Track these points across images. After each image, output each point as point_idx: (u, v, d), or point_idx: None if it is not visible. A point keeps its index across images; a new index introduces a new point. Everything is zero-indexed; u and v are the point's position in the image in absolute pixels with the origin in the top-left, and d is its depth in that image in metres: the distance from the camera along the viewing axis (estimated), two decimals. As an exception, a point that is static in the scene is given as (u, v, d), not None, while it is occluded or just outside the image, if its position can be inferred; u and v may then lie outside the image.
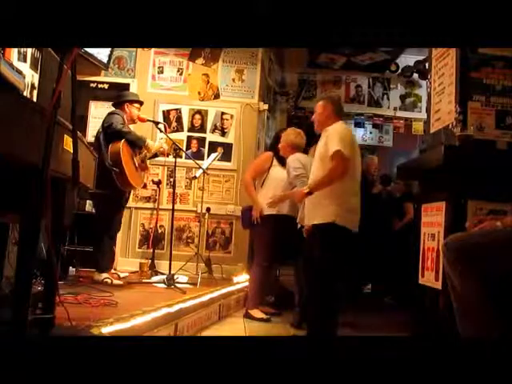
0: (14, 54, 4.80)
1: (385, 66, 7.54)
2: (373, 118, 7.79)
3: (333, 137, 3.14)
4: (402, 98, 7.81)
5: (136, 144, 4.40)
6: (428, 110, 3.49)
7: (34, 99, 5.08)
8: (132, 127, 4.55)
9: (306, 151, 4.31)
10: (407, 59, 7.42)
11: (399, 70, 7.59)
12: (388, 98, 7.79)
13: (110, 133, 4.24)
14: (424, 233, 3.18)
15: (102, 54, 5.80)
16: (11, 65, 3.28)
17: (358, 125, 7.94)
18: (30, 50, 5.08)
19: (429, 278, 3.02)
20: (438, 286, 2.84)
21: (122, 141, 4.20)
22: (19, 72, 3.36)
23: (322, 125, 3.35)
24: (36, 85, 5.21)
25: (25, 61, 5.03)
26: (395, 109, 7.75)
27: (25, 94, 3.92)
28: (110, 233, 4.35)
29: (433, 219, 3.04)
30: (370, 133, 8.08)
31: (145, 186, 5.08)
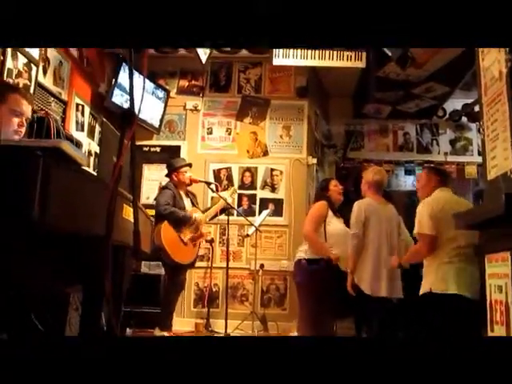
0: (72, 124, 5.09)
1: (432, 111, 7.48)
2: (423, 164, 7.66)
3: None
4: (452, 142, 7.66)
5: (181, 223, 4.47)
6: (483, 157, 3.38)
7: (91, 165, 5.34)
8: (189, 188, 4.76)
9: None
10: (454, 103, 7.33)
11: (447, 115, 7.51)
12: (438, 144, 7.67)
13: (156, 211, 4.39)
14: (490, 284, 3.02)
15: (154, 119, 6.06)
16: (71, 137, 3.46)
17: (408, 172, 7.82)
18: (86, 120, 5.36)
19: (499, 333, 2.85)
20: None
21: (164, 223, 4.30)
22: (78, 143, 3.53)
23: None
24: (92, 152, 5.47)
25: (82, 130, 5.31)
26: (446, 154, 7.59)
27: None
28: (175, 293, 4.45)
29: (498, 270, 2.89)
30: (422, 179, 7.94)
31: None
